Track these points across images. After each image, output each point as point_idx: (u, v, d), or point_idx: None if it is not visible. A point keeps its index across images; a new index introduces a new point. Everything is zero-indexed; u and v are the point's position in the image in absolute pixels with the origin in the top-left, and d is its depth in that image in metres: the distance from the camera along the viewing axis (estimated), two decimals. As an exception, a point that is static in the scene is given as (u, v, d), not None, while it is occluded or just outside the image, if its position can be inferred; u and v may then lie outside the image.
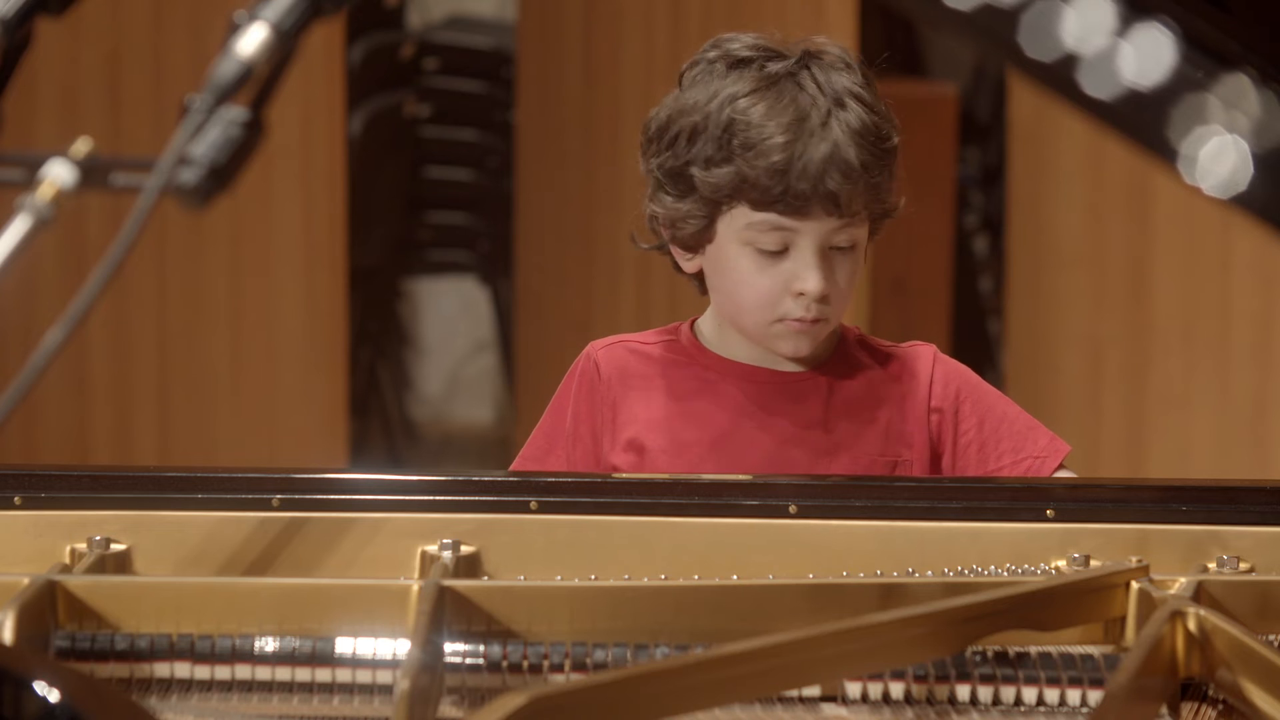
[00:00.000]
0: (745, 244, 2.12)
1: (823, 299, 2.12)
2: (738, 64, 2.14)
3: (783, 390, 2.18)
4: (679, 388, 2.19)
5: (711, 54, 2.17)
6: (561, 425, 2.21)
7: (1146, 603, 1.78)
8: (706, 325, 2.23)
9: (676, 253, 2.19)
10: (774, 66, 2.13)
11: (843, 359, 2.21)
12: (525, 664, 1.72)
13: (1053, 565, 1.88)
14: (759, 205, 2.09)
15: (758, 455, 2.15)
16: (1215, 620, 1.69)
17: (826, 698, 1.73)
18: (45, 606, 1.71)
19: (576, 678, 1.70)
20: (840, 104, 2.10)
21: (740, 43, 2.17)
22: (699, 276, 2.20)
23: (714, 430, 2.17)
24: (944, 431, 2.19)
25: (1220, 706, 1.70)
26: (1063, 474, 2.17)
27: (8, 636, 1.63)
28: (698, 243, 2.16)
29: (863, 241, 2.16)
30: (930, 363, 2.22)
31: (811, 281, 2.11)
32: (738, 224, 2.11)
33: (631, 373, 2.20)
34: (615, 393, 2.19)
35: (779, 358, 2.18)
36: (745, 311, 2.15)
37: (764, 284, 2.12)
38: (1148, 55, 1.25)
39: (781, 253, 2.11)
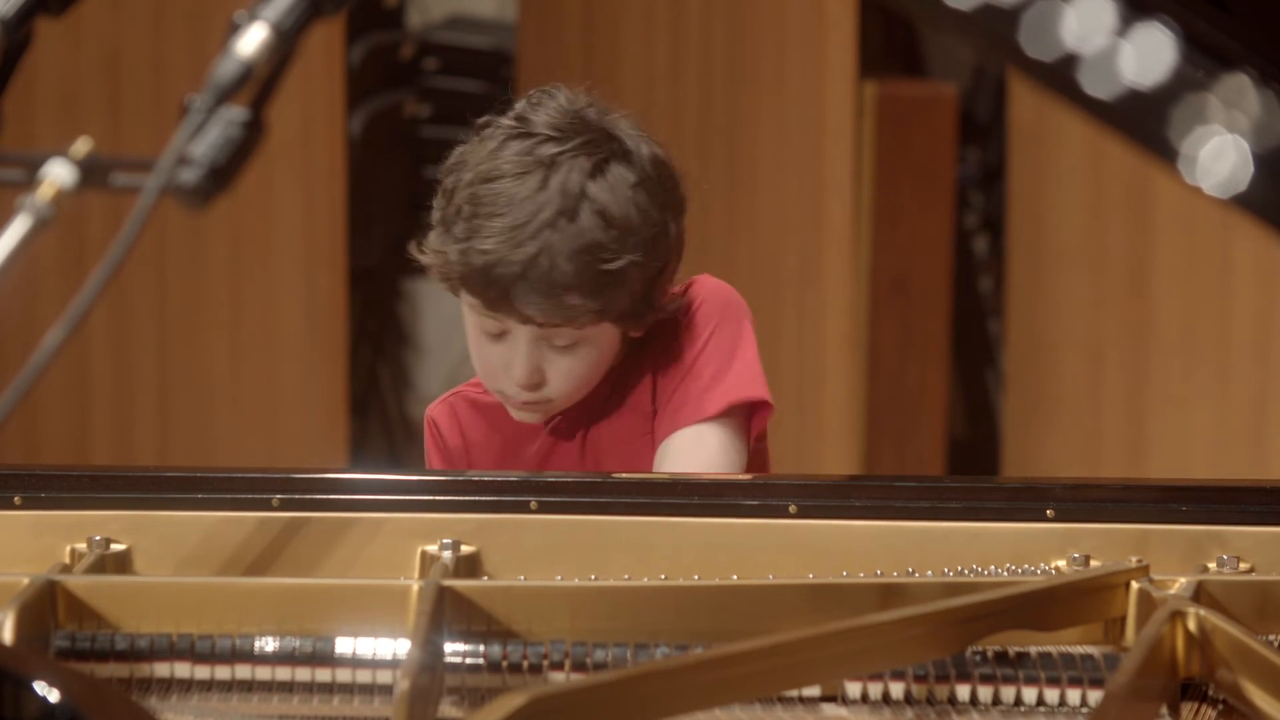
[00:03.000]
0: (471, 312, 2.13)
1: (537, 386, 2.12)
2: (520, 136, 2.10)
3: (592, 404, 2.19)
4: (499, 424, 2.23)
5: (509, 120, 2.12)
6: None
7: (1146, 603, 1.78)
8: None
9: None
10: (545, 150, 2.08)
11: (644, 339, 2.19)
12: (525, 664, 1.72)
13: (1053, 565, 1.88)
14: (470, 293, 2.10)
15: (576, 458, 2.19)
16: (1215, 620, 1.69)
17: (826, 698, 1.73)
18: (45, 606, 1.71)
19: (576, 678, 1.70)
20: (572, 214, 2.06)
21: (542, 113, 2.12)
22: None
23: (536, 455, 2.21)
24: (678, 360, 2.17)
25: (1220, 706, 1.70)
26: (693, 435, 2.14)
27: (8, 636, 1.63)
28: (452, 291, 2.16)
29: (594, 339, 2.12)
30: (685, 296, 2.18)
31: (516, 373, 2.11)
32: (466, 295, 2.13)
33: (461, 420, 2.25)
34: (452, 442, 2.25)
35: None
36: (479, 372, 2.18)
37: (485, 357, 2.15)
38: (1148, 55, 1.25)
39: (501, 335, 2.12)
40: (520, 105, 2.15)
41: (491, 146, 2.11)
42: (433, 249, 2.14)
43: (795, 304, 4.76)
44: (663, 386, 2.17)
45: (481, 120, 2.16)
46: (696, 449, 2.13)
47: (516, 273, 2.05)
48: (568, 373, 2.12)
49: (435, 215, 2.15)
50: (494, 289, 2.06)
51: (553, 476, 2.02)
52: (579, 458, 2.21)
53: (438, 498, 1.92)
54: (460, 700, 1.71)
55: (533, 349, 2.10)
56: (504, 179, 2.08)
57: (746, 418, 2.17)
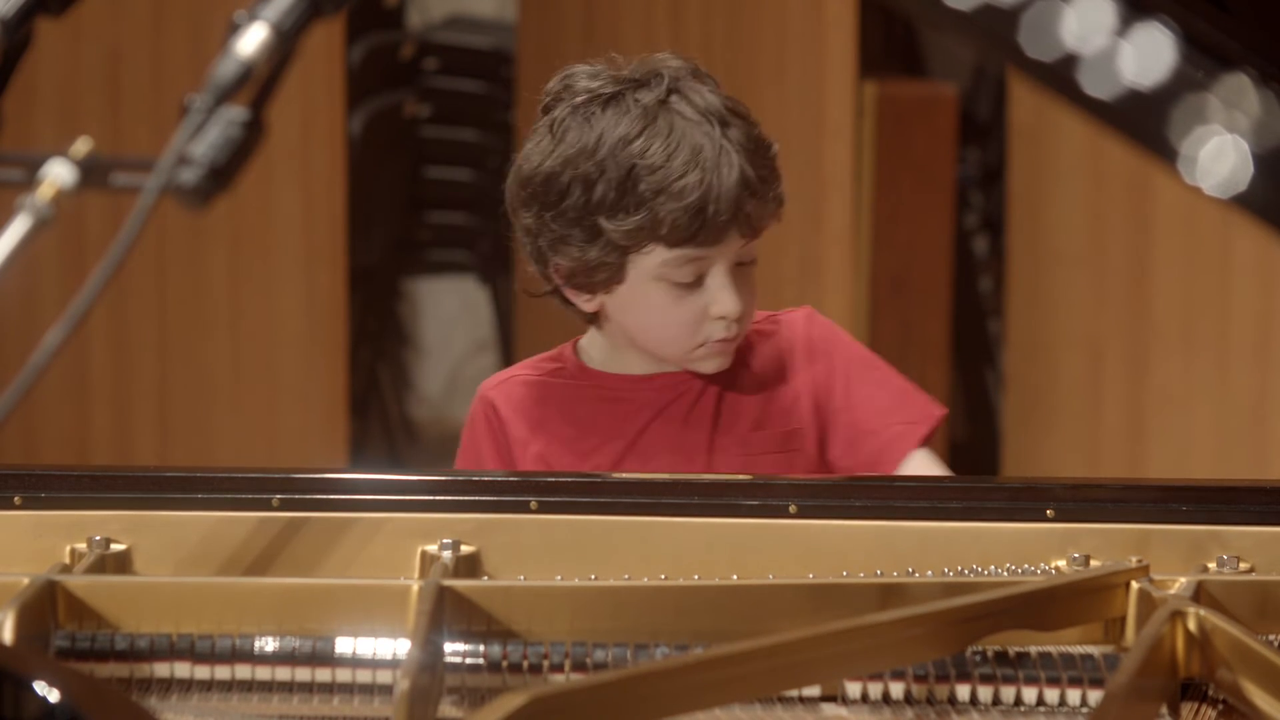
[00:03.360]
0: (658, 280, 2.14)
1: (742, 315, 2.15)
2: (608, 101, 2.13)
3: (678, 388, 2.20)
4: (574, 410, 2.22)
5: (579, 99, 2.14)
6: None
7: (1146, 603, 1.77)
8: (593, 347, 2.25)
9: (573, 295, 2.20)
10: (645, 97, 2.12)
11: None
12: (525, 664, 1.72)
13: (1053, 565, 1.88)
14: (675, 243, 2.11)
15: (662, 456, 2.18)
16: (1215, 620, 1.69)
17: (826, 698, 1.73)
18: (45, 606, 1.71)
19: (576, 678, 1.70)
20: (724, 123, 2.11)
21: (598, 78, 2.15)
22: (592, 320, 2.22)
23: (618, 443, 2.20)
24: (820, 397, 2.21)
25: (1220, 706, 1.70)
26: (919, 459, 2.19)
27: (8, 636, 1.63)
28: (605, 287, 2.16)
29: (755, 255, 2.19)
30: (802, 328, 2.25)
31: (730, 304, 2.14)
32: (650, 263, 2.13)
33: (527, 404, 2.22)
34: (515, 428, 2.21)
35: (668, 365, 2.21)
36: (666, 343, 2.18)
37: (682, 315, 2.15)
38: (1148, 55, 1.25)
39: (695, 282, 2.13)
40: (567, 87, 2.16)
41: (592, 125, 2.12)
42: (611, 237, 2.11)
43: (795, 303, 4.75)
44: (824, 411, 2.21)
45: (546, 110, 2.16)
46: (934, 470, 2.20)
47: (734, 189, 2.09)
48: (751, 294, 2.17)
49: (577, 209, 2.12)
50: (722, 211, 2.09)
51: (553, 476, 2.02)
52: (680, 434, 2.20)
53: (438, 498, 1.92)
54: (460, 700, 1.71)
55: (731, 276, 2.14)
56: (641, 133, 2.11)
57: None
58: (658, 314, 2.15)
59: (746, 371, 2.22)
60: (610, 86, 2.14)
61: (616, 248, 2.12)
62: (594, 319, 2.23)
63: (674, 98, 2.12)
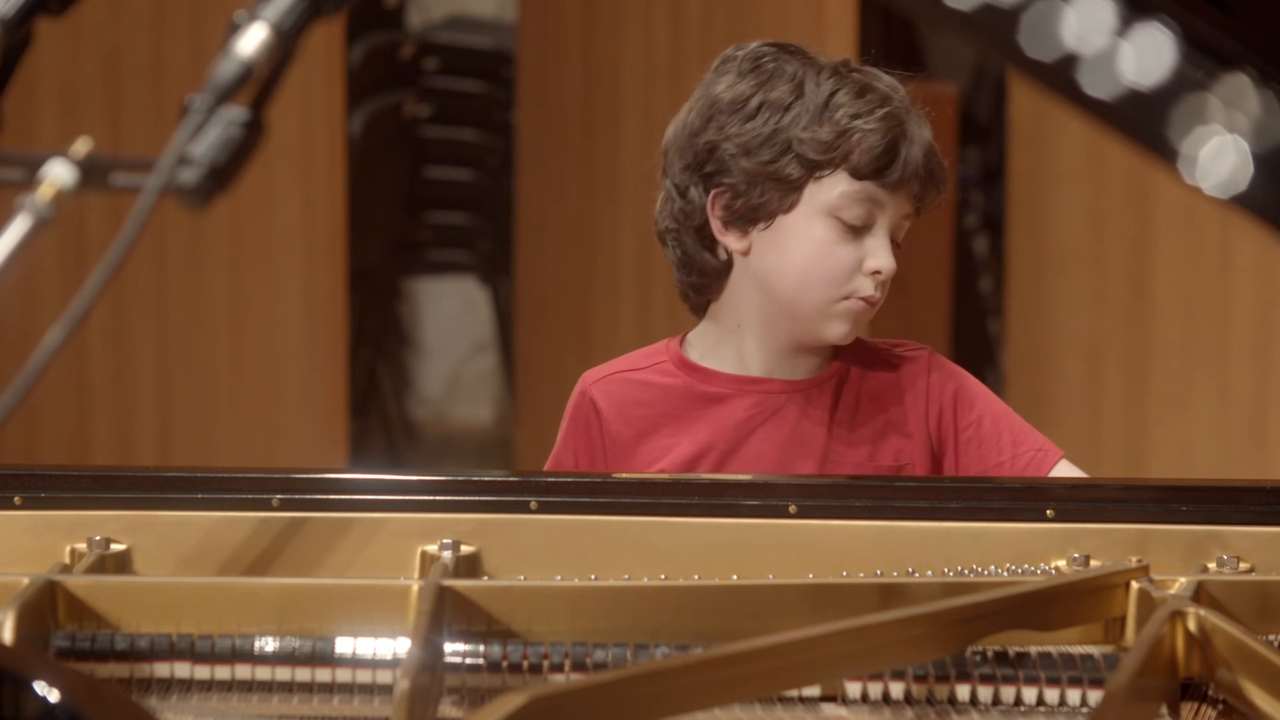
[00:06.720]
0: (829, 214, 2.13)
1: (889, 278, 2.16)
2: (794, 54, 2.16)
3: (786, 398, 2.18)
4: (681, 410, 2.19)
5: (755, 48, 2.17)
6: (565, 462, 2.21)
7: (1146, 603, 1.78)
8: (699, 342, 2.22)
9: (724, 232, 2.16)
10: (826, 64, 2.17)
11: (844, 363, 2.21)
12: (525, 664, 1.72)
13: (1053, 565, 1.88)
14: (862, 174, 2.12)
15: (764, 464, 2.15)
16: (1215, 620, 1.69)
17: (826, 698, 1.73)
18: (45, 606, 1.71)
19: (576, 678, 1.70)
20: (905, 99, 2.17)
21: (768, 45, 2.18)
22: (707, 291, 2.20)
23: (722, 445, 2.17)
24: (944, 432, 2.19)
25: (1220, 706, 1.70)
26: (1064, 469, 2.18)
27: (8, 636, 1.63)
28: (770, 213, 2.14)
29: None
30: (927, 365, 2.23)
31: (885, 260, 2.15)
32: (829, 192, 2.12)
33: (630, 403, 2.20)
34: (616, 427, 2.19)
35: (781, 366, 2.18)
36: (813, 285, 2.15)
37: (841, 256, 2.14)
38: (1148, 55, 1.25)
39: (860, 230, 2.14)
40: (740, 50, 2.18)
41: (777, 65, 2.16)
42: (801, 150, 2.12)
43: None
44: (944, 446, 2.21)
45: (722, 63, 2.19)
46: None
47: (926, 143, 2.15)
48: (894, 271, 2.17)
49: (767, 124, 2.13)
50: (912, 157, 2.14)
51: (553, 477, 2.02)
52: (788, 443, 2.18)
53: (438, 498, 1.92)
54: (460, 700, 1.71)
55: (890, 237, 2.16)
56: (832, 76, 2.15)
57: None
58: (817, 250, 2.14)
59: (864, 395, 2.20)
60: (802, 61, 2.17)
61: (805, 163, 2.12)
62: (706, 308, 2.21)
63: (856, 73, 2.17)
